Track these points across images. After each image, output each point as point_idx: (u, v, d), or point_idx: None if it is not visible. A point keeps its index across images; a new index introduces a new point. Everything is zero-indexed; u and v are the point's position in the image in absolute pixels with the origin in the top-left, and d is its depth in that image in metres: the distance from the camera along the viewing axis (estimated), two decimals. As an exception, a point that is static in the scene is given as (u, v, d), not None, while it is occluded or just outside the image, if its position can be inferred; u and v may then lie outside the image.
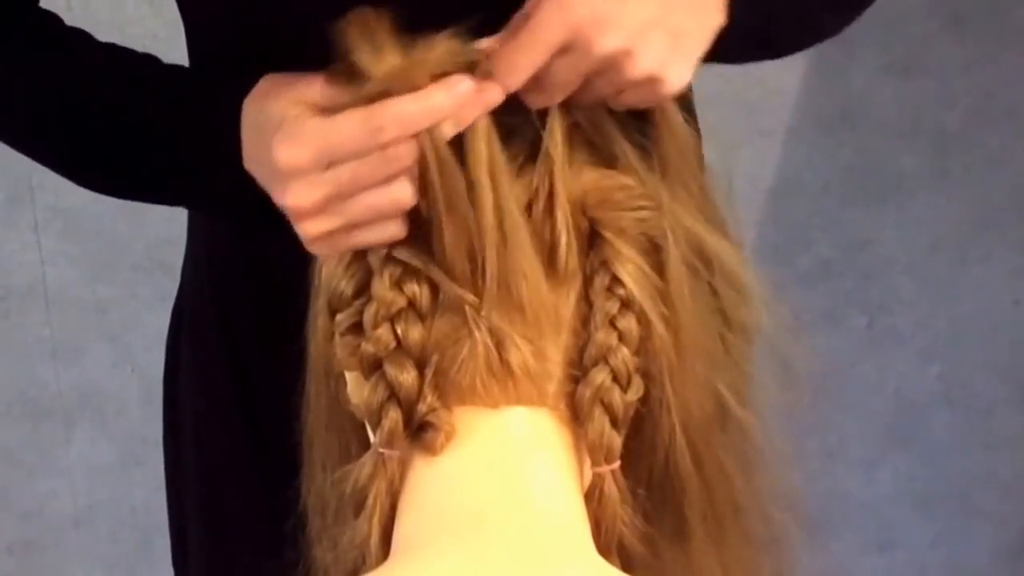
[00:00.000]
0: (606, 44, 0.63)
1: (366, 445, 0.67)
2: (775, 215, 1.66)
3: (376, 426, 0.65)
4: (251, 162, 0.71)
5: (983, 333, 1.74)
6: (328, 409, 0.71)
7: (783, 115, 1.63)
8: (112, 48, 0.80)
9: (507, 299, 0.64)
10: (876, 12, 0.89)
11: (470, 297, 0.64)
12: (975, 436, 1.78)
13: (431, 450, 0.64)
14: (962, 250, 1.70)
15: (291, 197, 0.64)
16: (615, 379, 0.65)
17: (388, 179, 0.63)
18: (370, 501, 0.65)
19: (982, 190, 1.67)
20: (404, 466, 0.65)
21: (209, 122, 0.73)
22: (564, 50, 0.63)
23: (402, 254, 0.64)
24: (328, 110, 0.65)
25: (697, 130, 0.93)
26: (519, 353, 0.64)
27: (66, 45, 0.80)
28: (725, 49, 0.69)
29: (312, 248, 0.66)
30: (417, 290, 0.64)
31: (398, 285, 0.64)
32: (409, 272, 0.64)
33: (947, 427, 1.77)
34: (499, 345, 0.64)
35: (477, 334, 0.63)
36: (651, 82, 0.65)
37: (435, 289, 0.65)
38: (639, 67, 0.64)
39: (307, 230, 0.65)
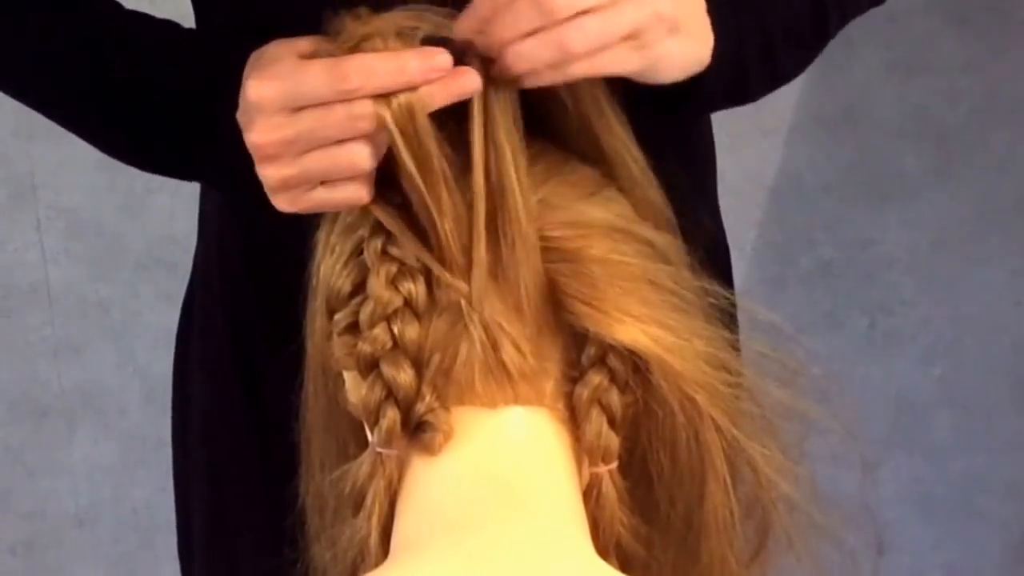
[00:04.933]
0: None
1: (364, 445, 0.67)
2: (776, 215, 1.66)
3: (374, 426, 0.65)
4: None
5: (985, 334, 1.74)
6: (326, 409, 0.71)
7: (784, 114, 1.63)
8: (133, 11, 0.81)
9: (504, 298, 0.64)
10: (878, 10, 0.89)
11: (461, 285, 0.64)
12: (977, 438, 1.77)
13: (429, 450, 0.64)
14: (964, 250, 1.70)
15: (254, 133, 0.65)
16: (613, 379, 0.65)
17: (347, 137, 0.64)
18: (369, 500, 0.65)
19: (985, 190, 1.67)
20: (402, 466, 0.65)
21: (212, 81, 0.74)
22: None
23: (397, 251, 0.64)
24: (310, 56, 0.66)
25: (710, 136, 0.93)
26: (516, 354, 0.64)
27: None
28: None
29: (275, 199, 0.67)
30: (413, 289, 0.64)
31: (394, 284, 0.64)
32: (405, 270, 0.64)
33: (949, 429, 1.77)
34: (495, 345, 0.64)
35: (473, 331, 0.63)
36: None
37: (432, 287, 0.65)
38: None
39: (266, 174, 0.66)
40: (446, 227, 0.63)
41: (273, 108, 0.64)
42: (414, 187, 0.63)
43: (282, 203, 0.67)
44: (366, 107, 0.63)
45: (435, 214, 0.63)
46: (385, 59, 0.63)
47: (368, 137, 0.64)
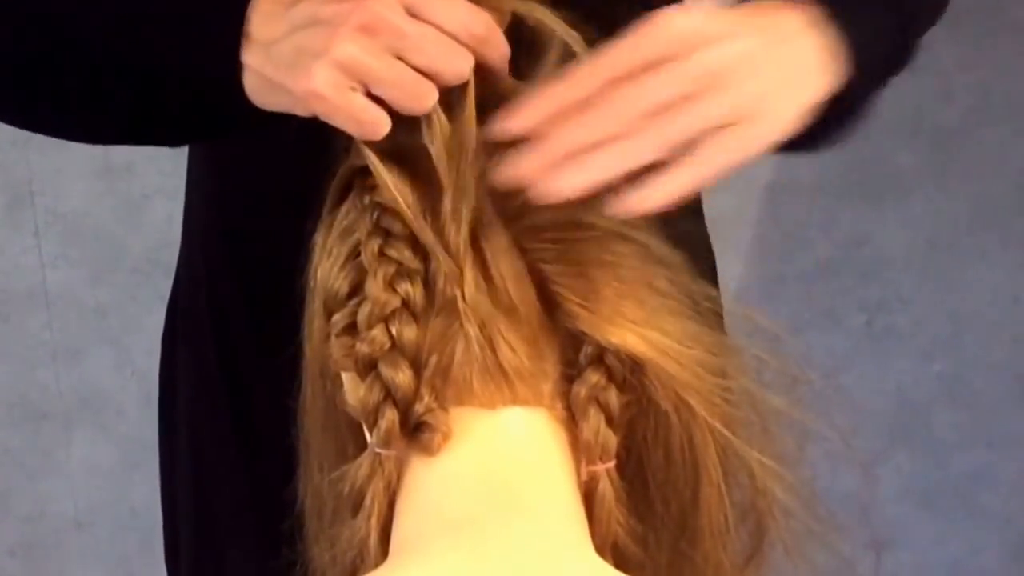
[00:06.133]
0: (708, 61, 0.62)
1: (363, 446, 0.67)
2: (773, 214, 1.67)
3: (372, 426, 0.65)
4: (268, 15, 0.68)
5: (983, 330, 1.74)
6: (324, 410, 0.71)
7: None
8: None
9: (497, 299, 0.64)
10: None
11: (453, 267, 0.64)
12: (977, 434, 1.78)
13: (428, 451, 0.64)
14: (961, 247, 1.71)
15: (379, 5, 0.64)
16: (610, 378, 0.65)
17: (433, 71, 0.64)
18: (368, 501, 0.65)
19: (981, 187, 1.68)
20: (401, 466, 0.65)
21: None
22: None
23: (395, 253, 0.65)
24: None
25: None
26: (512, 354, 0.64)
27: None
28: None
29: (316, 78, 0.64)
30: (411, 290, 0.64)
31: (391, 285, 0.64)
32: (403, 271, 0.64)
33: (949, 425, 1.77)
34: (491, 345, 0.64)
35: (469, 328, 0.64)
36: (741, 122, 0.63)
37: (429, 288, 0.65)
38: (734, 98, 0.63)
39: (345, 47, 0.64)
40: (462, 207, 0.64)
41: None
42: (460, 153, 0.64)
43: (324, 82, 0.64)
44: (469, 59, 0.65)
45: (459, 190, 0.64)
46: (495, 27, 0.65)
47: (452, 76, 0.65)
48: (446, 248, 0.64)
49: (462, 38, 0.65)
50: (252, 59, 0.68)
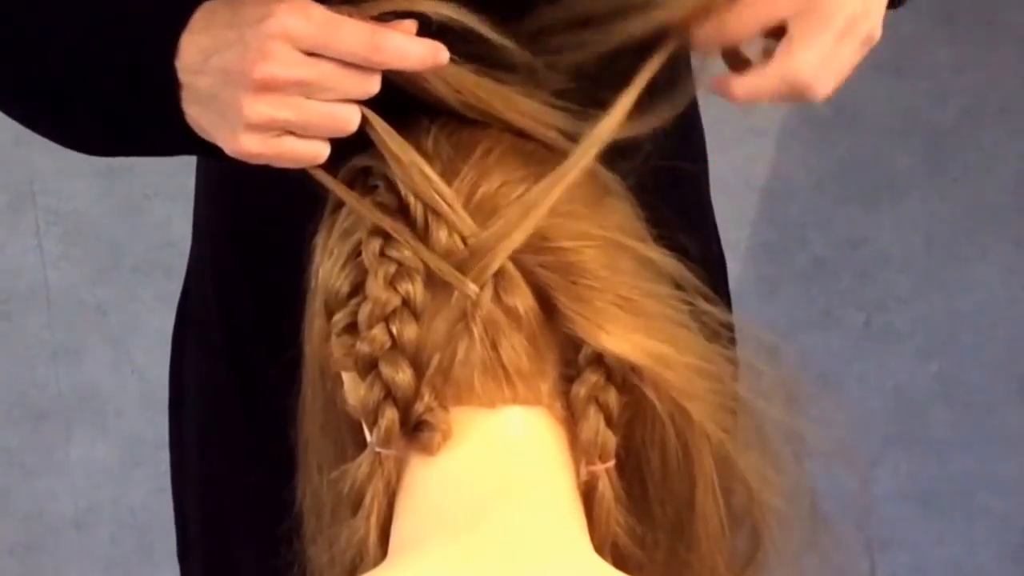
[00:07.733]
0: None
1: (362, 447, 0.67)
2: (769, 214, 1.67)
3: (372, 426, 0.65)
4: (205, 49, 0.68)
5: (981, 330, 1.74)
6: (324, 411, 0.71)
7: (776, 114, 1.64)
8: None
9: (499, 300, 0.64)
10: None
11: (469, 285, 0.64)
12: (975, 433, 1.78)
13: (428, 450, 0.65)
14: (958, 247, 1.71)
15: (273, 64, 0.65)
16: (609, 378, 0.66)
17: (351, 99, 0.66)
18: (367, 500, 0.65)
19: (976, 188, 1.68)
20: (401, 465, 0.65)
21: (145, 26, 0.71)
22: None
23: (396, 252, 0.65)
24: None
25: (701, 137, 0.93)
26: (514, 353, 0.64)
27: None
28: None
29: (242, 139, 0.66)
30: (411, 289, 0.64)
31: (392, 284, 0.64)
32: (403, 271, 0.65)
33: (947, 425, 1.77)
34: (495, 344, 0.64)
35: (475, 329, 0.64)
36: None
37: (430, 288, 0.65)
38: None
39: (255, 108, 0.65)
40: (453, 218, 0.64)
41: (297, 45, 0.65)
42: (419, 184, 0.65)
43: (251, 144, 0.66)
44: (373, 78, 0.65)
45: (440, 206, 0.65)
46: (420, 44, 0.65)
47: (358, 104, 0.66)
48: (463, 271, 0.65)
49: (363, 60, 0.65)
50: (191, 109, 0.69)
